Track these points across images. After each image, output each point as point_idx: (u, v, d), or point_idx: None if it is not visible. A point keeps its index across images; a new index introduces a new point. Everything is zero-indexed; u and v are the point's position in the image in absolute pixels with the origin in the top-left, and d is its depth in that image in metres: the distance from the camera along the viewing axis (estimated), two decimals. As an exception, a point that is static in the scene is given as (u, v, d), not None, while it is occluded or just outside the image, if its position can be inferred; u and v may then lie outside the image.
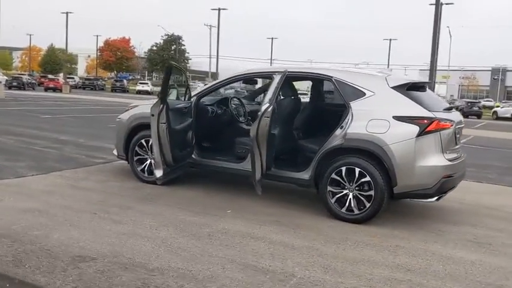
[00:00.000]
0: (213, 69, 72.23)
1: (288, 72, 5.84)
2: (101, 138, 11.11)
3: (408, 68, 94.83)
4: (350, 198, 5.38)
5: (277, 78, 5.99)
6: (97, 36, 77.40)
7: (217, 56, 41.66)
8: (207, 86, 6.68)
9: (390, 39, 61.81)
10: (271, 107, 5.09)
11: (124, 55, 76.82)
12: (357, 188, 5.35)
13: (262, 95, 8.13)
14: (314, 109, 6.79)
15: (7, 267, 3.59)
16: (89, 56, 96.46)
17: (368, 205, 5.28)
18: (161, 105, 5.61)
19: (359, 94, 5.53)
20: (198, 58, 76.36)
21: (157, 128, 5.62)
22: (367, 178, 5.26)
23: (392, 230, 5.21)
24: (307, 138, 6.33)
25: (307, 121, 6.52)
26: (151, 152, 6.57)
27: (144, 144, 6.65)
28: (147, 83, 60.93)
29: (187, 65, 76.48)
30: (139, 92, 56.18)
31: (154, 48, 78.17)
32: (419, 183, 5.21)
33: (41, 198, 5.60)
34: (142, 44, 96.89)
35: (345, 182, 5.40)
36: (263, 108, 5.08)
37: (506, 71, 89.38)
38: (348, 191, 5.40)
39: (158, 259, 3.94)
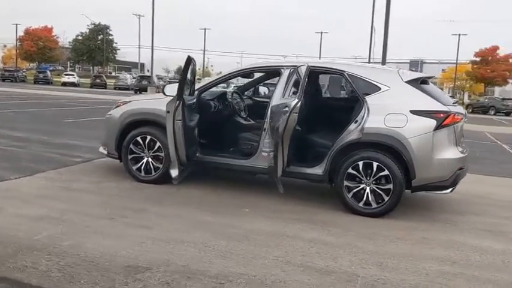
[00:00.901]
0: (144, 61, 70.48)
1: (295, 66, 5.77)
2: (64, 135, 10.45)
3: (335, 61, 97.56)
4: (367, 193, 5.41)
5: (286, 73, 5.92)
6: (16, 25, 72.57)
7: (152, 46, 40.48)
8: (209, 81, 6.44)
9: (321, 32, 63.12)
10: (300, 102, 4.98)
11: (47, 45, 72.50)
12: (374, 182, 5.39)
13: (260, 88, 8.02)
14: (316, 104, 6.74)
15: (61, 285, 3.25)
16: (5, 46, 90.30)
17: (386, 198, 5.34)
18: (177, 102, 5.32)
19: (374, 88, 5.56)
20: (127, 48, 73.96)
21: (173, 125, 5.33)
22: (386, 172, 5.32)
23: (410, 222, 5.32)
24: (314, 133, 6.28)
25: (311, 116, 6.47)
26: (149, 150, 6.26)
27: (140, 141, 6.31)
28: (73, 75, 57.80)
29: (115, 55, 73.94)
30: (64, 84, 52.81)
31: (80, 38, 74.64)
32: (437, 175, 5.34)
33: (43, 203, 5.15)
34: (66, 34, 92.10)
35: (362, 177, 5.42)
36: (292, 103, 4.96)
37: (423, 63, 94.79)
38: (364, 185, 5.43)
39: (213, 265, 3.74)
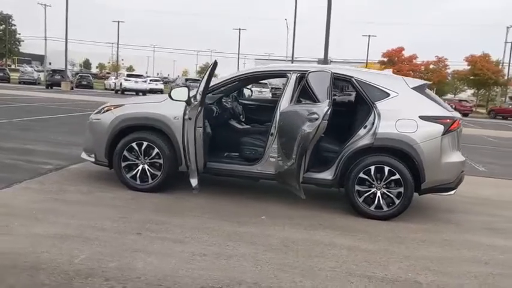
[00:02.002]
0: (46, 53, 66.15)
1: (303, 71, 5.76)
2: (8, 138, 9.56)
3: (247, 58, 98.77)
4: (378, 196, 5.53)
5: (293, 77, 5.88)
6: None
7: (66, 40, 37.97)
8: (212, 84, 6.20)
9: (240, 29, 63.39)
10: (330, 109, 4.96)
11: None
12: (384, 186, 5.53)
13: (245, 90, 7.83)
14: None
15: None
16: None
17: (397, 202, 5.50)
18: (199, 108, 5.06)
19: (383, 95, 5.68)
20: (29, 40, 69.12)
21: (194, 133, 5.06)
22: (397, 176, 5.47)
23: (421, 224, 5.52)
24: (321, 138, 6.29)
25: None
26: (145, 157, 5.93)
27: (136, 148, 5.94)
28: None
29: (19, 47, 68.80)
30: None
31: (-22, 28, 68.55)
32: (444, 178, 5.59)
33: (50, 219, 4.68)
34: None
35: (373, 181, 5.53)
36: (324, 110, 4.92)
37: (330, 62, 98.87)
38: (375, 189, 5.55)
39: (282, 281, 3.63)
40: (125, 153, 5.96)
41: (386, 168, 5.49)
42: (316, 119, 4.94)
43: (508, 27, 57.66)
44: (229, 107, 6.45)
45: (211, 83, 5.85)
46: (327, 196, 6.42)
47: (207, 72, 5.27)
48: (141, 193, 5.86)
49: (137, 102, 6.42)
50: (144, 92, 39.96)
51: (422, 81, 6.06)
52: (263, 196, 6.25)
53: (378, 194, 5.54)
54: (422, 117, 5.54)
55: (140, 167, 5.96)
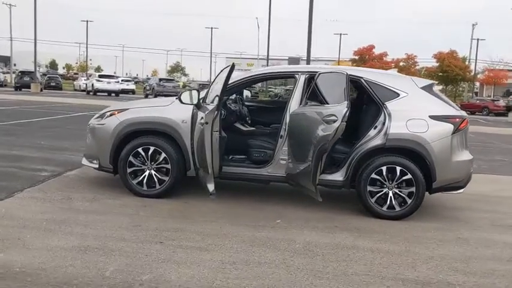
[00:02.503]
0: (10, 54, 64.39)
1: (312, 72, 5.74)
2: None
3: (218, 56, 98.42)
4: (390, 196, 5.54)
5: (302, 79, 5.84)
6: None
7: (35, 40, 36.74)
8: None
9: (212, 28, 62.98)
10: (348, 110, 4.92)
11: None
12: (396, 186, 5.54)
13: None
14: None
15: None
16: None
17: (409, 201, 5.51)
18: (216, 112, 4.95)
19: (393, 95, 5.69)
20: None
21: (211, 137, 4.95)
22: (409, 176, 5.49)
23: (432, 223, 5.55)
24: None
25: None
26: (152, 162, 5.78)
27: (142, 153, 5.79)
28: None
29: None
30: None
31: None
32: (455, 177, 5.65)
33: (64, 230, 4.51)
34: None
35: (385, 181, 5.54)
36: (343, 111, 4.88)
37: (300, 60, 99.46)
38: (387, 189, 5.55)
39: None
40: (131, 158, 5.80)
41: (398, 169, 5.50)
42: (334, 121, 4.91)
43: (473, 25, 59.21)
44: (235, 109, 6.36)
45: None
46: (335, 197, 6.39)
47: (225, 76, 5.15)
48: (150, 199, 5.73)
49: (142, 107, 6.25)
50: (117, 93, 39.34)
51: (430, 81, 6.11)
52: (272, 198, 6.19)
53: (390, 194, 5.54)
54: (432, 117, 5.57)
55: (147, 173, 5.81)
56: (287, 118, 5.71)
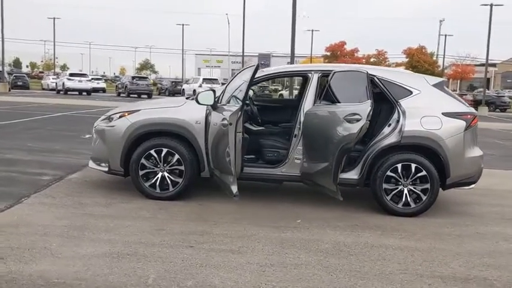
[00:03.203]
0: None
1: (327, 71, 5.75)
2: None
3: (186, 53, 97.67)
4: (406, 194, 5.59)
5: (315, 77, 5.83)
6: None
7: (2, 38, 35.43)
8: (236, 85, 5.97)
9: (183, 25, 62.24)
10: (372, 108, 4.93)
11: None
12: (411, 183, 5.59)
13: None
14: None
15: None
16: None
17: (424, 198, 5.57)
18: (239, 113, 4.88)
19: (406, 93, 5.73)
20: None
21: (234, 138, 4.88)
22: (423, 173, 5.54)
23: (445, 219, 5.63)
24: None
25: None
26: (165, 164, 5.68)
27: (155, 155, 5.67)
28: None
29: None
30: None
31: None
32: (467, 172, 5.74)
33: (89, 237, 4.38)
34: None
35: (400, 178, 5.58)
36: (367, 110, 4.87)
37: (271, 57, 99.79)
38: (402, 186, 5.60)
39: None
40: (143, 161, 5.68)
41: (413, 166, 5.55)
42: (358, 120, 4.91)
43: (440, 21, 60.50)
44: (246, 108, 6.29)
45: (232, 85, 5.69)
46: (348, 195, 6.39)
47: (249, 76, 5.08)
48: (164, 202, 5.62)
49: (154, 108, 6.12)
50: (88, 92, 38.53)
51: (441, 79, 6.19)
52: (286, 198, 6.17)
53: (405, 191, 5.59)
54: (445, 114, 5.65)
55: (159, 175, 5.70)
56: (301, 117, 5.69)
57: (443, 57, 59.55)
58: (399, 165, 5.57)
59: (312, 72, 5.90)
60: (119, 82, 45.56)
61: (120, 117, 5.87)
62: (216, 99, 5.47)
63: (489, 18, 37.56)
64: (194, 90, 27.57)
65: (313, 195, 6.13)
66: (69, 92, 37.54)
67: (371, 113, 4.90)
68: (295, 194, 6.39)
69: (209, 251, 4.17)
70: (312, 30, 63.19)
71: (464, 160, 5.68)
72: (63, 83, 38.26)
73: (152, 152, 5.67)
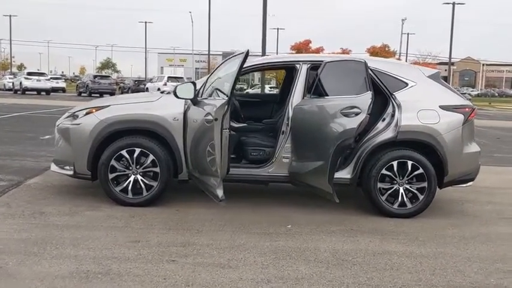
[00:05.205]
0: None
1: (317, 62, 5.28)
2: None
3: (150, 52, 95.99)
4: (402, 193, 5.18)
5: (304, 69, 5.35)
6: None
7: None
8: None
9: (146, 22, 60.91)
10: (373, 100, 4.46)
11: None
12: (406, 182, 5.19)
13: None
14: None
15: None
16: None
17: (421, 197, 5.17)
18: (226, 107, 4.31)
19: (401, 84, 5.31)
20: None
21: (220, 135, 4.30)
22: (420, 170, 5.14)
23: (444, 219, 5.25)
24: None
25: None
26: (138, 166, 5.08)
27: (126, 156, 5.06)
28: None
29: None
30: None
31: None
32: (465, 169, 5.38)
33: (50, 252, 3.75)
34: None
35: (396, 177, 5.16)
36: (368, 103, 4.40)
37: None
38: (397, 185, 5.19)
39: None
40: (113, 162, 5.06)
41: (410, 163, 5.13)
42: (357, 114, 4.45)
43: (402, 20, 61.33)
44: (235, 105, 5.73)
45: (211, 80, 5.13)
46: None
47: (237, 67, 4.51)
48: (136, 208, 5.02)
49: (125, 103, 5.49)
50: (48, 91, 37.00)
51: (436, 70, 5.80)
52: (271, 201, 5.67)
53: (401, 190, 5.18)
54: (442, 107, 5.26)
55: (132, 178, 5.10)
56: (290, 112, 5.19)
57: (406, 56, 60.38)
58: (395, 163, 5.14)
59: (300, 63, 5.40)
60: (79, 81, 43.99)
61: (87, 114, 5.22)
62: (196, 93, 4.90)
63: (451, 16, 38.18)
64: (159, 89, 26.80)
65: (301, 197, 5.65)
66: (27, 92, 35.90)
67: (371, 105, 4.44)
68: (282, 196, 5.90)
69: (194, 265, 3.61)
70: (277, 29, 63.01)
71: (462, 156, 5.31)
72: (21, 83, 36.55)
73: (123, 152, 5.06)
